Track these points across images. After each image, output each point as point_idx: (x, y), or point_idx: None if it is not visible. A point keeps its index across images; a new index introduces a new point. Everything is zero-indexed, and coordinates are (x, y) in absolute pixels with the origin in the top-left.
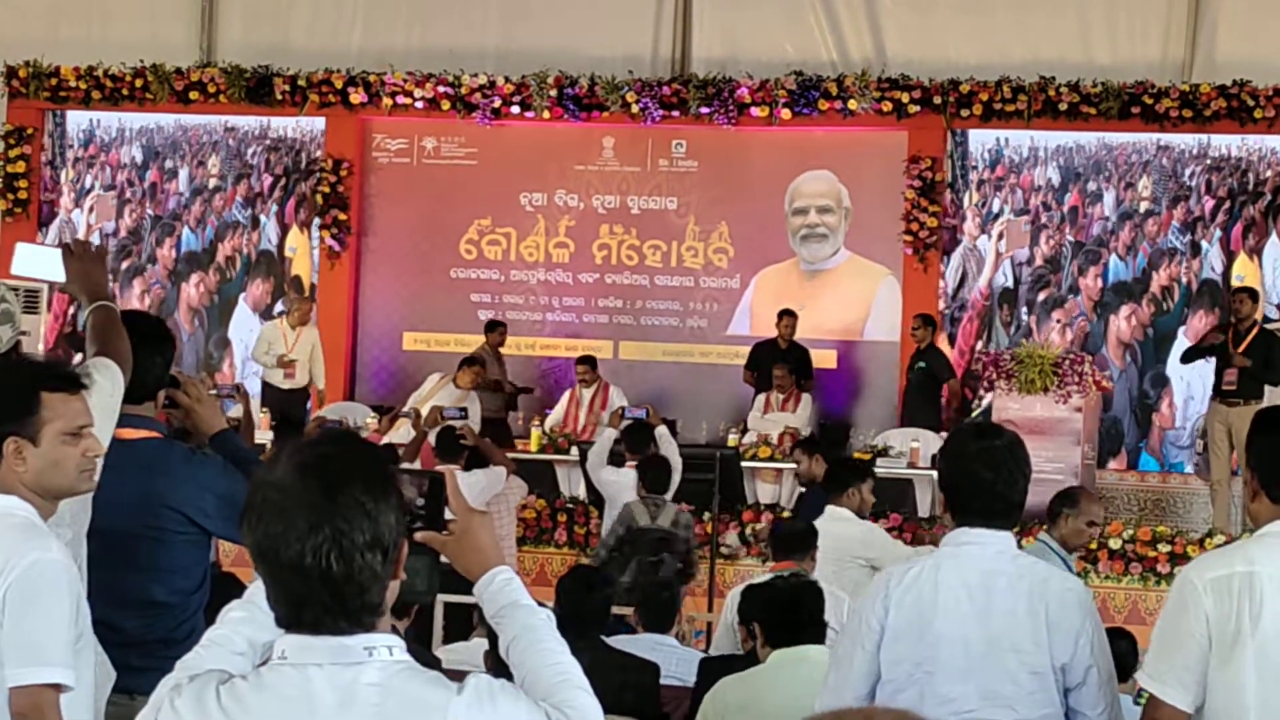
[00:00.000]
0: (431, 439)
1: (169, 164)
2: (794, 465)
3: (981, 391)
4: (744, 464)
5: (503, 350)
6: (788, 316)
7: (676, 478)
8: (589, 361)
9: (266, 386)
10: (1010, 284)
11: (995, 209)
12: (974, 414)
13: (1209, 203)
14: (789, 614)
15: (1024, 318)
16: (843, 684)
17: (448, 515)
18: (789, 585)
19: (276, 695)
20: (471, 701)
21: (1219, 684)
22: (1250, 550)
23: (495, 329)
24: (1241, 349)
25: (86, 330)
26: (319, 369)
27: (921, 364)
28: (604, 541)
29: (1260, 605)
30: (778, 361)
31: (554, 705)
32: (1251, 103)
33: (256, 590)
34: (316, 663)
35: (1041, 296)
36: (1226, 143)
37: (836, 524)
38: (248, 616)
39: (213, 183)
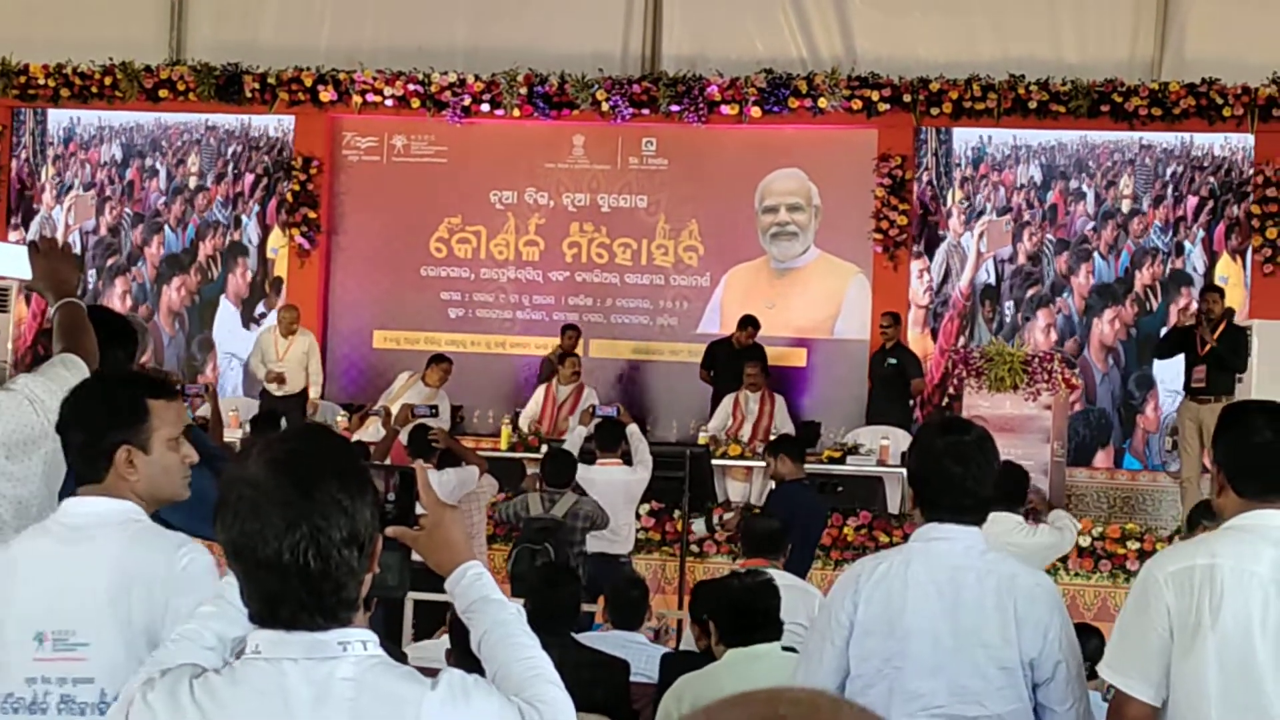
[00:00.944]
0: (403, 438)
1: (149, 162)
2: (764, 464)
3: (952, 390)
4: (714, 462)
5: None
6: (750, 326)
7: (600, 475)
8: (574, 358)
9: (264, 394)
10: (993, 281)
11: (979, 207)
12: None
13: (1192, 202)
14: (743, 613)
15: (1007, 315)
16: (811, 678)
17: (419, 510)
18: (745, 584)
19: (251, 690)
20: (445, 697)
21: (1181, 676)
22: (1212, 544)
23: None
24: (1207, 347)
25: (53, 327)
26: (315, 373)
27: (891, 360)
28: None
29: (1221, 598)
30: (746, 360)
31: (526, 700)
32: (1220, 101)
33: (227, 585)
34: (291, 657)
35: (1029, 294)
36: (1208, 141)
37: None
38: (218, 611)
39: (193, 182)
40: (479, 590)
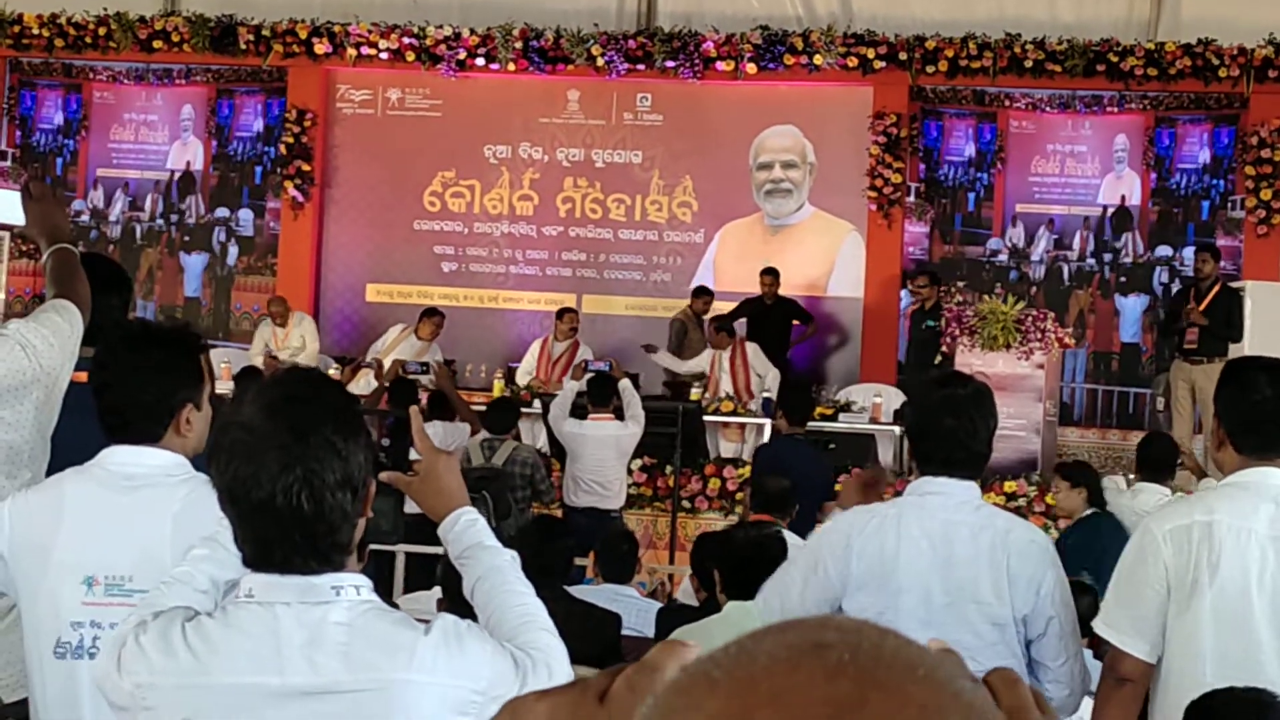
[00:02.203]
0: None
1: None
2: (757, 420)
3: (945, 349)
4: (706, 418)
5: (467, 303)
6: (769, 275)
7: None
8: (572, 313)
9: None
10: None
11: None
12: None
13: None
14: (747, 564)
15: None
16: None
17: (413, 456)
18: (750, 536)
19: (243, 633)
20: (439, 642)
21: (1176, 632)
22: (1210, 500)
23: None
24: (1203, 307)
25: (46, 272)
26: (312, 355)
27: (930, 322)
28: None
29: (1219, 555)
30: (765, 317)
31: (519, 647)
32: (1216, 61)
33: (222, 529)
34: (284, 601)
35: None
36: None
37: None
38: (210, 554)
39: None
40: (472, 536)
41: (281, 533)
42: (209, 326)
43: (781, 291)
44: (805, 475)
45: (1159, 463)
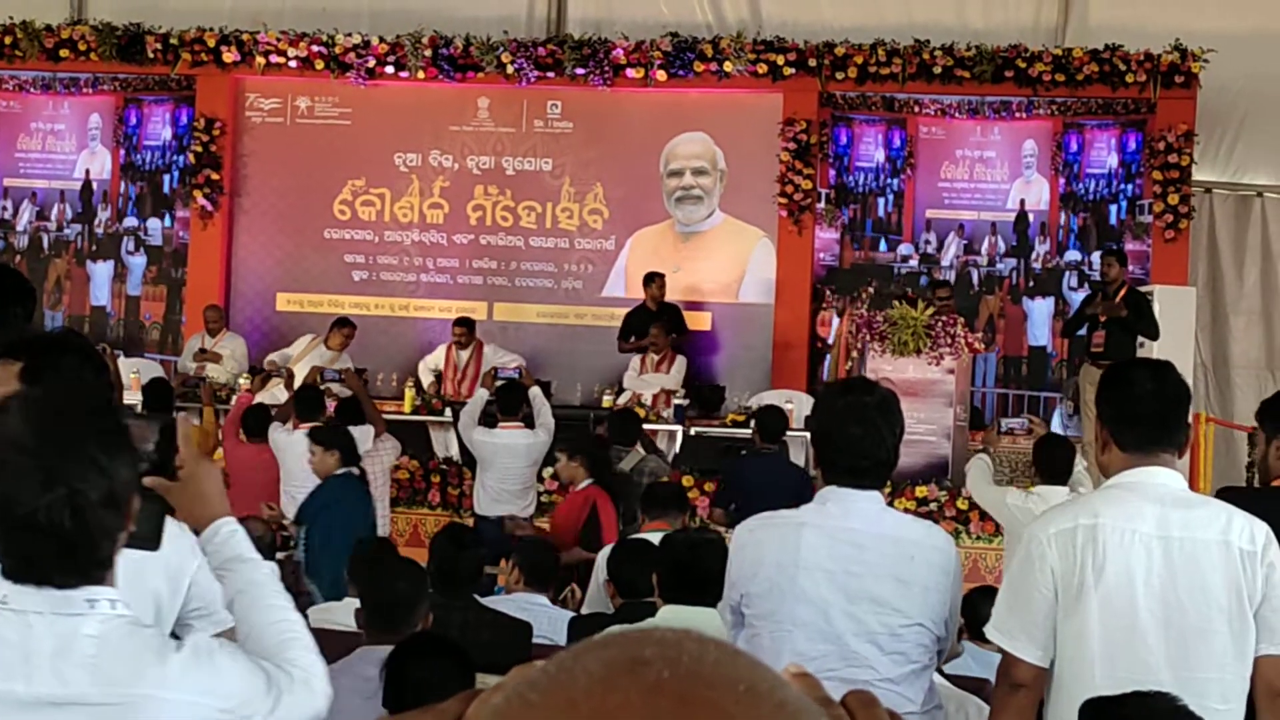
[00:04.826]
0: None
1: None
2: (668, 427)
3: (855, 354)
4: None
5: (378, 312)
6: (657, 279)
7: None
8: (466, 324)
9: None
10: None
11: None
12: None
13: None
14: (686, 568)
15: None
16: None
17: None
18: (689, 539)
19: None
20: (189, 659)
21: (1066, 636)
22: (1095, 503)
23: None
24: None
25: None
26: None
27: None
28: None
29: (1104, 557)
30: (653, 322)
31: (277, 664)
32: (1123, 67)
33: None
34: (38, 610)
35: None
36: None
37: None
38: None
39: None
40: (232, 548)
41: (43, 549)
42: (117, 337)
43: (691, 297)
44: (774, 484)
45: (1057, 465)
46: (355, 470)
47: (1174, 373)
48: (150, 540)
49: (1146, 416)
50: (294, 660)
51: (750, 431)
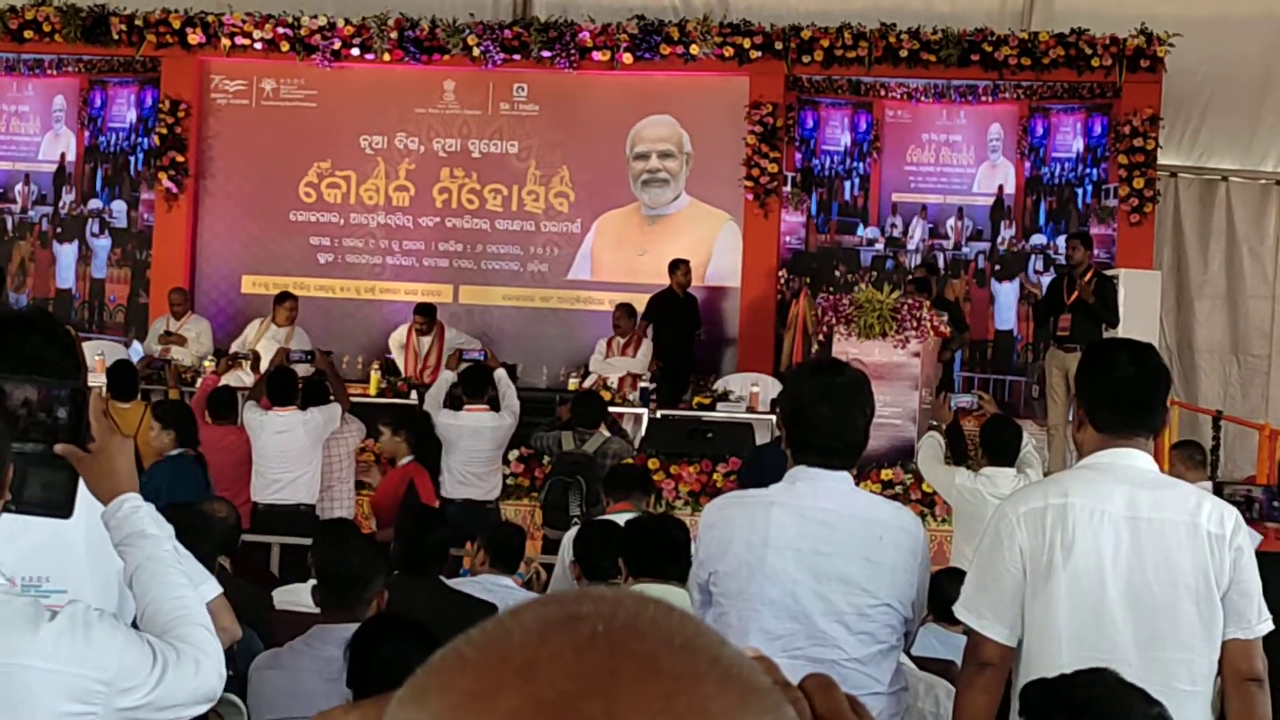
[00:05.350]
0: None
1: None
2: (635, 410)
3: (821, 337)
4: None
5: (344, 295)
6: (682, 266)
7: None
8: (426, 311)
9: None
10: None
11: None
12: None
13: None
14: (652, 546)
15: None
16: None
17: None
18: (654, 517)
19: None
20: (63, 629)
21: (1033, 615)
22: (1065, 483)
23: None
24: (1074, 297)
25: None
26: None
27: None
28: None
29: (1072, 537)
30: (674, 311)
31: (169, 640)
32: (1089, 51)
33: None
34: None
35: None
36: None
37: None
38: None
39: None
40: (135, 524)
41: None
42: (82, 319)
43: (657, 280)
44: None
45: (1004, 446)
46: (191, 451)
47: (1155, 356)
48: (62, 508)
49: (1124, 399)
50: (185, 637)
51: (774, 421)
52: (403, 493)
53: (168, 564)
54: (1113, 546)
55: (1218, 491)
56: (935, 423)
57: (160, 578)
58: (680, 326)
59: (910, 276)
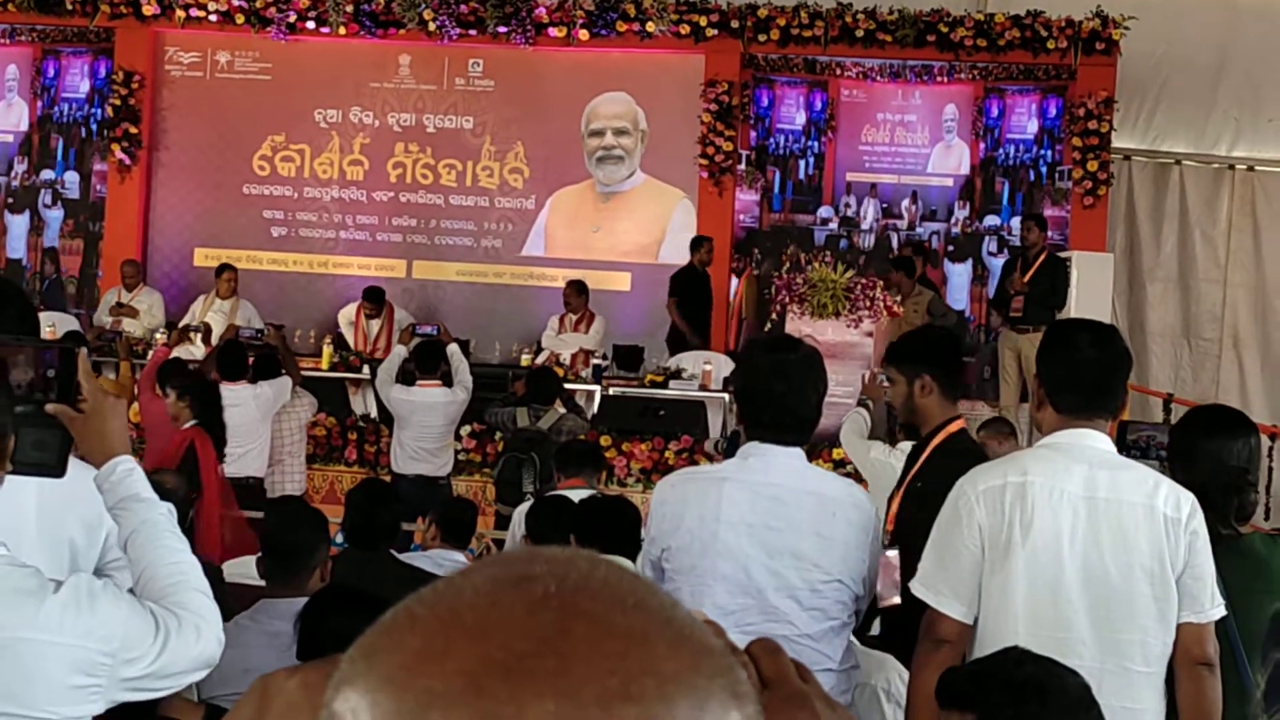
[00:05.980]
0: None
1: None
2: (587, 387)
3: (774, 316)
4: None
5: (297, 268)
6: (705, 244)
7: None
8: (374, 298)
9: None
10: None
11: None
12: None
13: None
14: (602, 522)
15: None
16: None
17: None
18: (607, 497)
19: None
20: (68, 600)
21: (990, 592)
22: (1024, 461)
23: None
24: (1028, 276)
25: None
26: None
27: None
28: None
29: (1031, 515)
30: (697, 288)
31: (168, 606)
32: (1044, 33)
33: None
34: None
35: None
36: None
37: None
38: None
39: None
40: (129, 487)
41: None
42: (34, 290)
43: (611, 257)
44: None
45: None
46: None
47: (1117, 339)
48: (55, 467)
49: (1084, 382)
50: (185, 603)
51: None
52: (181, 457)
53: (164, 528)
54: (1070, 526)
55: (1123, 431)
56: (865, 399)
57: (157, 542)
58: (704, 302)
59: (893, 255)
